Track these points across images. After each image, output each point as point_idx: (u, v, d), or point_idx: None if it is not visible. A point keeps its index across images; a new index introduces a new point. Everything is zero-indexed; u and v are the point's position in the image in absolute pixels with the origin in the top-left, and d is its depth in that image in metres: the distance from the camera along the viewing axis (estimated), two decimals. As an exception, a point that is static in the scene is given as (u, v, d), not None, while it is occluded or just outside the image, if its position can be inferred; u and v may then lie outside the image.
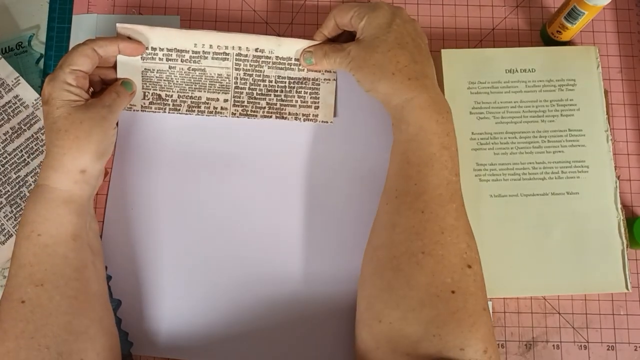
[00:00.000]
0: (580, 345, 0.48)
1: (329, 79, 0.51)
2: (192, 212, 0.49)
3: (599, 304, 0.49)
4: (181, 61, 0.49)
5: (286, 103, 0.51)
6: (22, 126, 0.50)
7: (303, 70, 0.50)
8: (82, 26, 0.53)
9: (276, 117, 0.51)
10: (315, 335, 0.47)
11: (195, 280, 0.48)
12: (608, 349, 0.48)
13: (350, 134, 0.51)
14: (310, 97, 0.51)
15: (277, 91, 0.50)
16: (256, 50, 0.50)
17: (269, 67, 0.50)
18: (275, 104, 0.51)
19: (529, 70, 0.51)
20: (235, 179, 0.50)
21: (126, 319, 0.47)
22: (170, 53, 0.49)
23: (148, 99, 0.50)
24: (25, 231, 0.41)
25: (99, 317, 0.42)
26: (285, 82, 0.50)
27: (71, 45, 0.52)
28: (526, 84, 0.50)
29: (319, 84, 0.51)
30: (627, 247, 0.48)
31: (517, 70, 0.51)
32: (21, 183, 0.49)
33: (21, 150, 0.50)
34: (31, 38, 0.52)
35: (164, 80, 0.50)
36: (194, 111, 0.51)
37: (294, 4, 0.54)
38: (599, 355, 0.48)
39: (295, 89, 0.51)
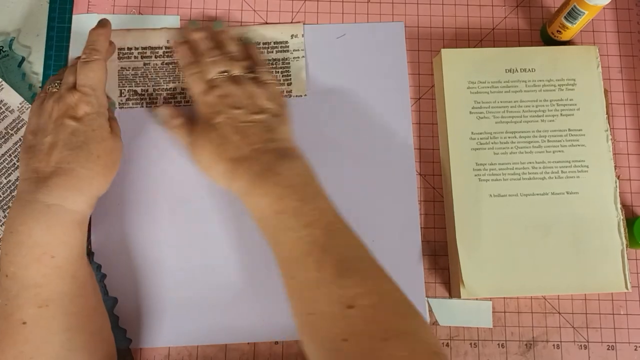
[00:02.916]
0: (581, 345, 0.48)
1: (298, 57, 0.53)
2: (183, 202, 0.49)
3: (599, 304, 0.49)
4: (155, 57, 0.52)
5: None
6: (9, 131, 0.50)
7: (272, 52, 0.53)
8: (82, 26, 0.53)
9: None
10: None
11: (191, 273, 0.48)
12: (608, 349, 0.48)
13: (324, 104, 0.52)
14: (282, 76, 0.52)
15: None
16: None
17: None
18: None
19: (529, 69, 0.51)
20: None
21: (123, 316, 0.47)
22: (145, 51, 0.52)
23: (125, 96, 0.51)
24: (36, 253, 0.39)
25: (98, 328, 0.42)
26: None
27: (71, 45, 0.52)
28: (526, 83, 0.50)
29: (289, 63, 0.52)
30: (626, 247, 0.48)
31: (517, 70, 0.51)
32: (12, 187, 0.49)
33: (10, 155, 0.50)
34: (12, 41, 0.52)
35: (139, 76, 0.51)
36: (170, 102, 0.51)
37: (294, 4, 0.54)
38: (599, 355, 0.48)
39: (265, 62, 0.52)
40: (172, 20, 0.53)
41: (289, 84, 0.52)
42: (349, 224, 0.42)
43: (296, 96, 0.52)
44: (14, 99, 0.50)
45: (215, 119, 0.45)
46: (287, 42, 0.53)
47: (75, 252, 0.41)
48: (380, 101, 0.52)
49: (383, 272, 0.40)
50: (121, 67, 0.52)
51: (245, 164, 0.43)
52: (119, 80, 0.51)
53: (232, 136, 0.44)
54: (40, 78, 0.52)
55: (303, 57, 0.53)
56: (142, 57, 0.52)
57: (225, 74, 0.47)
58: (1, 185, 0.49)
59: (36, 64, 0.52)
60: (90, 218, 0.46)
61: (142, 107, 0.51)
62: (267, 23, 0.54)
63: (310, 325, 0.39)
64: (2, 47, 0.52)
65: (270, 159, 0.43)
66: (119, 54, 0.52)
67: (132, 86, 0.51)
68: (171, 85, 0.52)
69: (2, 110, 0.50)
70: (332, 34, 0.53)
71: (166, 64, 0.52)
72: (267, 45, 0.53)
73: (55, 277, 0.40)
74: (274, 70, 0.52)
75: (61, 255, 0.40)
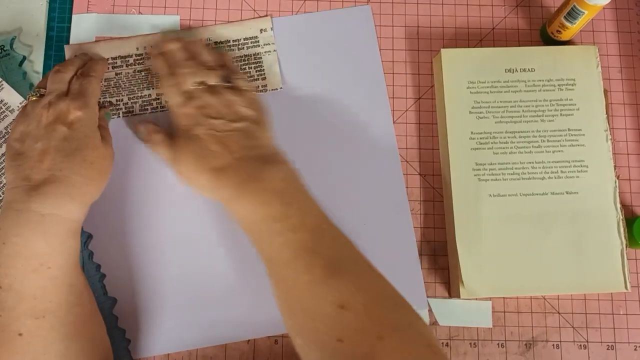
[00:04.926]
0: (580, 345, 0.48)
1: (270, 51, 0.52)
2: (182, 202, 0.49)
3: (598, 304, 0.49)
4: (126, 66, 0.51)
5: None
6: (9, 130, 0.50)
7: (243, 48, 0.52)
8: (82, 26, 0.53)
9: None
10: None
11: (190, 272, 0.48)
12: (608, 349, 0.48)
13: (300, 95, 0.52)
14: (256, 71, 0.52)
15: None
16: None
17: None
18: None
19: (529, 69, 0.51)
20: None
21: (122, 316, 0.47)
22: (115, 61, 0.51)
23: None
24: (32, 264, 0.39)
25: (94, 335, 0.42)
26: None
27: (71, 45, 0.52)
28: (526, 83, 0.50)
29: (261, 57, 0.52)
30: (626, 247, 0.48)
31: (516, 70, 0.51)
32: None
33: None
34: (13, 40, 0.52)
35: (113, 87, 0.51)
36: (147, 109, 0.51)
37: (293, 4, 0.54)
38: (598, 354, 0.48)
39: (239, 67, 0.52)
40: (172, 20, 0.53)
41: (263, 79, 0.52)
42: (335, 224, 0.42)
43: (272, 90, 0.52)
44: (14, 98, 0.50)
45: (195, 130, 0.44)
46: (257, 37, 0.53)
47: (70, 262, 0.41)
48: (356, 87, 0.52)
49: (372, 269, 0.40)
50: None
51: (228, 172, 0.42)
52: None
53: (213, 146, 0.43)
54: (41, 77, 0.52)
55: (274, 50, 0.52)
56: (113, 67, 0.51)
57: (202, 84, 0.46)
58: (1, 185, 0.49)
59: (37, 63, 0.52)
60: (89, 218, 0.45)
61: (119, 117, 0.51)
62: (235, 20, 0.53)
63: (303, 327, 0.39)
64: (3, 46, 0.52)
65: (254, 166, 0.42)
66: None
67: (106, 97, 0.51)
68: (146, 92, 0.51)
69: (2, 110, 0.50)
70: (301, 24, 0.53)
71: (138, 71, 0.51)
72: (237, 42, 0.52)
73: (53, 288, 0.39)
74: (246, 66, 0.52)
75: (57, 265, 0.40)
